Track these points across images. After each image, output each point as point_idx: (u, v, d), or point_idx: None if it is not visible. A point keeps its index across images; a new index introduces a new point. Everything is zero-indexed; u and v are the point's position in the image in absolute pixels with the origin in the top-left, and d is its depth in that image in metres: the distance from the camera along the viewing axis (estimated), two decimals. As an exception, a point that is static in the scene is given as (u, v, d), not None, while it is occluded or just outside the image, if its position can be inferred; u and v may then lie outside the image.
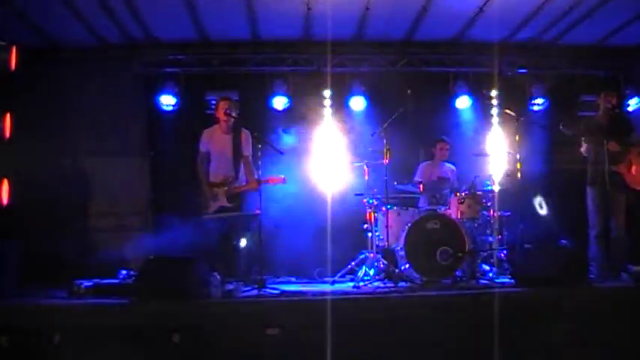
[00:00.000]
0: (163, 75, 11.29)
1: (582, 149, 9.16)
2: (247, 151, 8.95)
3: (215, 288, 7.59)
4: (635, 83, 12.23)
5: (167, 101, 11.18)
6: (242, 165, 8.95)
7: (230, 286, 7.90)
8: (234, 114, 9.00)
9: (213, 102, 9.95)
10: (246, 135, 8.97)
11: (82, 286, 7.96)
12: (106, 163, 10.88)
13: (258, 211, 8.32)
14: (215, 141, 9.00)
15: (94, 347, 6.54)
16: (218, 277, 7.73)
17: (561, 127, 9.19)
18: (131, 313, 6.94)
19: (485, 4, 9.86)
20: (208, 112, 10.62)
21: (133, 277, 8.05)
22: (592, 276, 8.60)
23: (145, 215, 10.88)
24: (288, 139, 10.69)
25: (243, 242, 8.66)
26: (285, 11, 10.09)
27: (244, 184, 8.85)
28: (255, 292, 7.84)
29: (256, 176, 8.56)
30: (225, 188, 8.76)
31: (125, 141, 10.97)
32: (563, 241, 9.95)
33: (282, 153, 8.81)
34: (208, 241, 8.60)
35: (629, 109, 12.11)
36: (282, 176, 8.69)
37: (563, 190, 11.13)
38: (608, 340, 6.98)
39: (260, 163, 8.55)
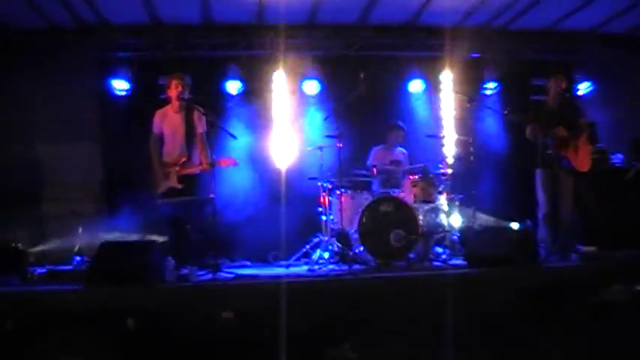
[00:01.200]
0: (116, 59, 11.21)
1: (527, 133, 9.26)
2: (201, 128, 8.85)
3: (169, 272, 7.61)
4: (586, 68, 12.45)
5: (120, 86, 11.12)
6: (195, 144, 8.83)
7: (185, 271, 7.92)
8: (186, 90, 8.94)
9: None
10: (198, 113, 8.84)
11: (36, 272, 7.93)
12: (59, 149, 10.74)
13: (212, 195, 8.33)
14: (168, 120, 8.88)
15: (47, 334, 6.48)
16: (172, 261, 7.74)
17: (508, 114, 9.31)
18: (85, 298, 6.85)
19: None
20: (161, 96, 10.56)
21: (87, 263, 8.02)
22: (543, 256, 8.77)
23: (99, 201, 10.78)
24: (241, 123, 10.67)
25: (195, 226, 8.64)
26: (238, -5, 10.08)
27: (197, 164, 8.79)
28: (209, 276, 7.86)
29: (209, 156, 8.57)
30: (177, 168, 8.65)
31: (77, 126, 10.81)
32: (515, 222, 10.15)
33: (235, 137, 8.77)
34: (162, 225, 8.58)
35: (579, 93, 12.33)
36: (234, 158, 8.68)
37: (514, 172, 11.27)
38: (557, 318, 7.11)
39: (214, 146, 8.57)
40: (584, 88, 12.36)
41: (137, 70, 11.24)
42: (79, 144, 10.86)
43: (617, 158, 11.10)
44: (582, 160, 9.17)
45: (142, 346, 6.51)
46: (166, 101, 9.04)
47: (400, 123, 10.90)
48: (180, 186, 8.61)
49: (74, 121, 10.80)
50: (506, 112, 9.32)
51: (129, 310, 6.60)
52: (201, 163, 8.69)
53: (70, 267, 8.48)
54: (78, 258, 8.79)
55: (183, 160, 8.69)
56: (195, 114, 8.85)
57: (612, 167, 10.93)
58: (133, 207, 9.53)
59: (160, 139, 8.88)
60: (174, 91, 8.83)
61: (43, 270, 7.99)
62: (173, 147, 8.82)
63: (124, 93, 11.16)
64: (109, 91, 11.13)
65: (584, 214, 9.79)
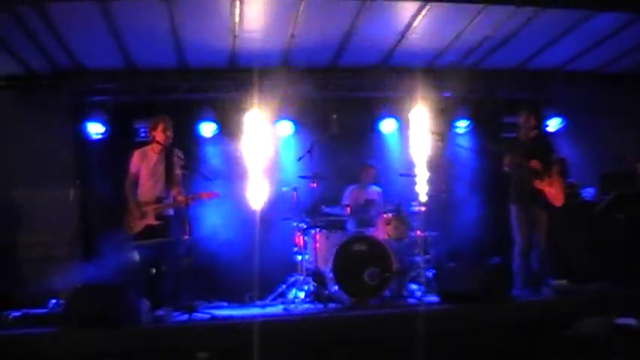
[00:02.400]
0: (91, 103, 11.25)
1: (505, 164, 9.37)
2: (178, 169, 8.93)
3: (145, 314, 7.62)
4: (555, 104, 12.62)
5: (95, 130, 11.13)
6: (172, 186, 8.90)
7: (160, 312, 7.95)
8: (171, 133, 9.04)
9: (143, 129, 10.04)
10: (177, 154, 8.98)
11: (10, 316, 7.91)
12: (34, 193, 10.70)
13: (187, 237, 8.38)
14: (147, 161, 8.97)
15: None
16: (147, 303, 7.76)
17: (488, 143, 9.42)
18: (60, 342, 6.86)
19: (406, 30, 10.10)
20: (137, 139, 10.66)
21: (62, 306, 8.01)
22: (516, 291, 8.86)
23: (74, 244, 10.73)
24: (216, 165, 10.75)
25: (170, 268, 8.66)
26: (211, 40, 10.15)
27: (173, 202, 8.84)
28: (185, 317, 7.89)
29: (184, 193, 8.66)
30: (155, 206, 8.74)
31: (53, 170, 10.76)
32: (492, 258, 10.23)
33: (210, 179, 8.88)
34: (138, 267, 8.59)
35: (550, 129, 12.48)
36: (215, 191, 8.78)
37: (487, 208, 11.39)
38: (531, 353, 7.19)
39: (189, 188, 8.66)
40: (554, 124, 12.52)
41: (112, 114, 11.25)
42: (54, 188, 10.80)
43: (588, 193, 11.26)
44: (556, 194, 9.30)
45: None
46: (144, 142, 9.09)
47: (370, 162, 11.03)
48: (156, 223, 8.67)
49: (50, 164, 10.74)
50: (486, 142, 9.41)
51: (104, 353, 6.62)
52: (176, 200, 8.74)
53: (45, 310, 8.45)
54: (53, 301, 8.76)
55: (162, 197, 8.76)
56: (174, 154, 8.96)
57: (583, 201, 11.08)
58: (108, 250, 9.53)
59: (136, 178, 8.95)
60: (161, 135, 8.95)
61: (18, 313, 7.96)
62: (151, 186, 8.90)
63: (99, 137, 11.16)
64: (84, 135, 11.14)
65: (556, 248, 9.90)
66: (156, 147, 9.02)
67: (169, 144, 9.01)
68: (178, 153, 9.00)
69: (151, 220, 8.70)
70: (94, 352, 6.60)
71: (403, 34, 10.26)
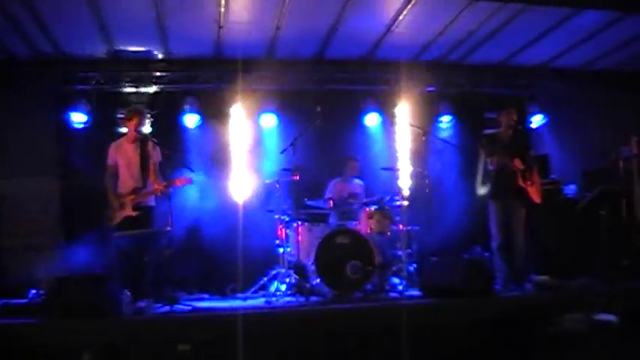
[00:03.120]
0: (74, 92, 11.19)
1: (493, 163, 9.38)
2: (155, 157, 8.94)
3: (126, 305, 7.58)
4: (539, 101, 12.69)
5: (78, 118, 11.07)
6: (149, 174, 8.87)
7: (142, 304, 7.92)
8: (144, 123, 9.07)
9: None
10: (152, 143, 8.96)
11: (-10, 306, 7.86)
12: (15, 182, 10.58)
13: (168, 228, 8.35)
14: (122, 152, 8.95)
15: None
16: (129, 294, 7.73)
17: (480, 147, 9.44)
18: (41, 332, 6.79)
19: (392, 24, 10.12)
20: (120, 129, 10.59)
21: (43, 297, 7.96)
22: (498, 286, 8.90)
23: (55, 234, 10.68)
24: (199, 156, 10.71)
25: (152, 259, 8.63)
26: (196, 30, 10.14)
27: (151, 190, 8.82)
28: (166, 308, 7.86)
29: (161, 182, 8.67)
30: (132, 197, 8.70)
31: (35, 159, 10.69)
32: (471, 252, 10.27)
33: (192, 170, 8.86)
34: (119, 258, 8.55)
35: (533, 126, 12.55)
36: (189, 177, 8.75)
37: (468, 203, 11.42)
38: (512, 348, 7.22)
39: (168, 178, 8.64)
40: (537, 121, 12.59)
41: (96, 103, 11.20)
42: (36, 177, 10.69)
43: (570, 190, 11.31)
44: (536, 192, 9.36)
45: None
46: (122, 134, 9.07)
47: (354, 155, 11.04)
48: (135, 214, 8.65)
49: (31, 153, 10.66)
50: (478, 144, 9.43)
51: (85, 344, 6.59)
52: (156, 189, 8.72)
53: (25, 300, 8.40)
54: (33, 291, 8.71)
55: (138, 187, 8.74)
56: (150, 144, 8.94)
57: (565, 198, 11.13)
58: (90, 240, 9.50)
59: (115, 171, 8.94)
60: (133, 123, 8.93)
61: (-1, 303, 7.93)
62: (128, 177, 8.88)
63: (82, 126, 11.11)
64: (67, 124, 11.09)
65: (537, 244, 9.94)
66: (130, 137, 9.01)
67: (144, 134, 8.99)
68: (153, 141, 8.99)
69: (129, 212, 8.68)
70: (75, 343, 6.56)
71: (389, 27, 10.30)
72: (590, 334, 7.40)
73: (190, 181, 8.75)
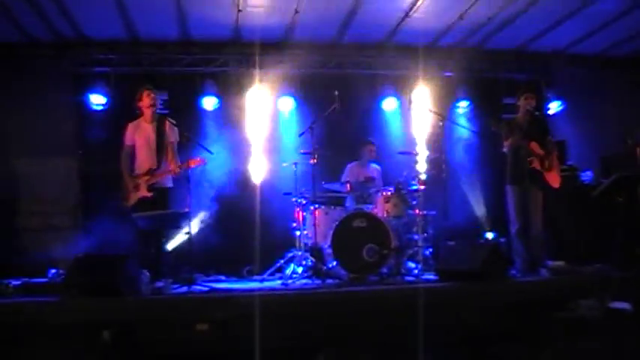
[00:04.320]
0: (93, 74, 11.28)
1: (505, 148, 9.42)
2: (172, 137, 9.01)
3: (144, 285, 7.65)
4: (556, 87, 12.65)
5: (97, 100, 11.16)
6: (166, 154, 8.94)
7: (160, 284, 7.97)
8: (157, 101, 9.09)
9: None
10: (169, 124, 9.01)
11: (10, 285, 7.93)
12: (35, 162, 10.71)
13: (187, 209, 8.41)
14: (140, 131, 9.00)
15: (22, 346, 6.51)
16: (147, 274, 7.80)
17: (492, 126, 9.43)
18: (60, 311, 6.87)
19: (411, 9, 10.12)
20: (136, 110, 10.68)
21: (62, 276, 8.04)
22: (514, 271, 8.92)
23: (75, 214, 10.78)
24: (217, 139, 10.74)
25: (172, 241, 8.70)
26: (215, 12, 10.17)
27: (166, 170, 8.87)
28: (184, 289, 7.93)
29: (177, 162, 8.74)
30: (147, 177, 8.77)
31: (54, 140, 10.80)
32: (489, 236, 10.28)
33: (211, 153, 8.89)
34: (138, 239, 8.64)
35: (550, 112, 12.52)
36: (203, 158, 8.78)
37: (485, 188, 11.45)
38: (526, 332, 7.24)
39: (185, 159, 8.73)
40: (554, 106, 12.56)
41: (114, 85, 11.29)
42: (55, 157, 10.83)
43: (587, 176, 11.29)
44: (554, 177, 9.35)
45: (117, 357, 6.57)
46: (138, 110, 9.13)
47: (371, 138, 11.06)
48: (149, 194, 8.72)
49: (51, 134, 10.79)
50: (489, 124, 9.43)
51: (104, 322, 6.65)
52: (170, 170, 8.78)
53: (45, 279, 8.49)
54: (53, 271, 8.80)
55: (153, 168, 8.81)
56: (167, 124, 8.99)
57: (582, 184, 11.12)
58: (109, 220, 9.58)
59: (132, 151, 8.99)
60: (146, 100, 8.99)
61: (18, 282, 7.99)
62: (145, 157, 8.93)
63: (100, 107, 11.19)
64: (86, 106, 11.17)
65: (553, 230, 9.95)
66: (147, 116, 9.05)
67: (161, 114, 9.03)
68: (171, 122, 9.04)
69: (144, 192, 8.75)
70: (95, 321, 6.61)
71: (407, 12, 10.29)
72: (604, 321, 7.41)
73: (204, 162, 8.78)
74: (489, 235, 10.67)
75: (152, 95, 9.03)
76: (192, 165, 8.67)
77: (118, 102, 11.18)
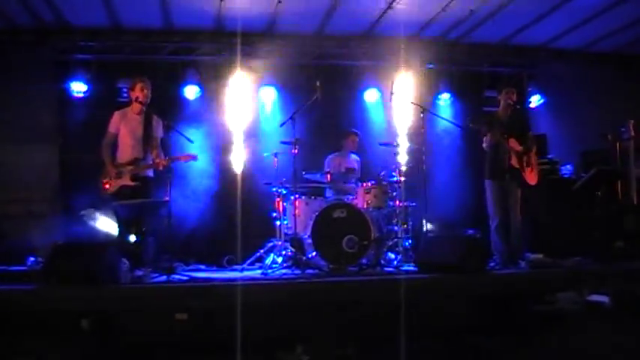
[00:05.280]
0: (75, 61, 11.20)
1: (484, 144, 9.48)
2: (158, 133, 9.02)
3: (124, 274, 7.62)
4: (538, 81, 12.74)
5: (78, 88, 11.10)
6: (151, 148, 8.94)
7: (139, 273, 7.95)
8: (149, 95, 9.04)
9: (125, 89, 10.02)
10: (157, 118, 9.02)
11: (-12, 272, 7.90)
12: (15, 150, 10.61)
13: (167, 198, 8.39)
14: (127, 121, 8.96)
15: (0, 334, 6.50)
16: (127, 263, 7.78)
17: (470, 123, 9.49)
18: (39, 299, 6.82)
19: (393, 1, 10.12)
20: (123, 97, 10.61)
21: (41, 264, 8.01)
22: (493, 264, 8.97)
23: (55, 202, 10.73)
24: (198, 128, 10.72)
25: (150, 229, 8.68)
26: (198, 1, 10.13)
27: (150, 164, 8.87)
28: (164, 278, 7.91)
29: (163, 157, 8.75)
30: (131, 167, 8.75)
31: (34, 127, 10.70)
32: (469, 230, 10.33)
33: (191, 141, 8.88)
34: (118, 227, 8.61)
35: (532, 105, 12.61)
36: (193, 153, 8.80)
37: (466, 181, 11.49)
38: (505, 325, 7.29)
39: (170, 150, 8.69)
40: (536, 100, 12.64)
41: (96, 73, 11.22)
42: (35, 145, 10.74)
43: (567, 170, 11.37)
44: (532, 174, 9.42)
45: (96, 346, 6.57)
46: (126, 104, 9.10)
47: (354, 129, 11.08)
48: (133, 184, 8.71)
49: (31, 121, 10.68)
50: (469, 122, 9.47)
51: (83, 311, 6.64)
52: (157, 164, 8.76)
53: (23, 267, 8.46)
54: (32, 258, 8.76)
55: (139, 158, 8.79)
56: (154, 118, 8.99)
57: (562, 178, 11.20)
58: (89, 208, 9.54)
59: (114, 139, 8.96)
60: (139, 93, 8.94)
61: (-4, 270, 7.98)
62: (129, 147, 8.90)
63: (81, 95, 11.13)
64: (67, 93, 11.12)
65: (533, 223, 10.00)
66: (136, 108, 9.02)
67: (149, 107, 9.00)
68: (158, 118, 9.04)
69: (127, 181, 8.73)
70: (73, 310, 6.61)
71: (390, 3, 10.28)
72: (583, 314, 7.47)
73: (195, 158, 8.81)
74: (469, 228, 10.65)
75: (145, 91, 8.97)
76: (183, 160, 8.71)
77: (99, 90, 11.16)
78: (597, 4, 10.32)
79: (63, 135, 10.96)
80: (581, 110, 12.09)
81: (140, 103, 8.93)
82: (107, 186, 8.76)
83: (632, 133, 10.35)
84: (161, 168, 8.70)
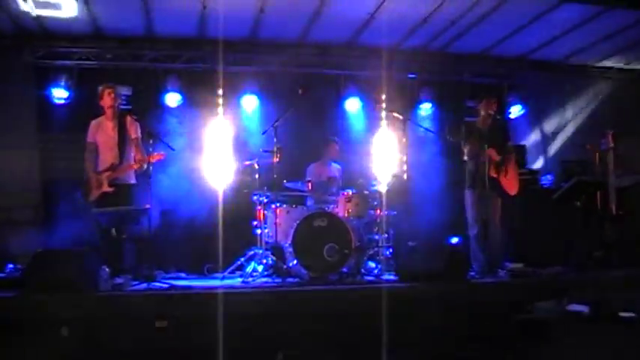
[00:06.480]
0: (56, 68, 11.15)
1: (466, 153, 9.52)
2: (134, 133, 9.03)
3: (104, 281, 7.61)
4: (518, 91, 12.79)
5: (59, 94, 11.02)
6: (129, 149, 8.97)
7: (119, 280, 7.93)
8: (118, 99, 9.11)
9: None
10: (131, 119, 9.02)
11: (-33, 279, 7.85)
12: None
13: (147, 206, 8.39)
14: (102, 129, 9.01)
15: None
16: (107, 270, 7.75)
17: (447, 135, 9.53)
18: (18, 306, 6.81)
19: (375, 11, 10.16)
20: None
21: (21, 271, 7.97)
22: (473, 273, 9.02)
23: (36, 208, 10.68)
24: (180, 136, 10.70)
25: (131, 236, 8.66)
26: (180, 8, 10.11)
27: (129, 165, 8.90)
28: (144, 285, 7.90)
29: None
30: (109, 173, 8.77)
31: (15, 133, 10.66)
32: (449, 239, 10.36)
33: (173, 149, 8.90)
34: (98, 234, 8.60)
35: (512, 116, 12.65)
36: (162, 152, 8.80)
37: (446, 191, 11.52)
38: (485, 333, 7.32)
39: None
40: (516, 111, 12.69)
41: (77, 80, 11.16)
42: (16, 151, 10.72)
43: (546, 180, 11.44)
44: (511, 183, 9.47)
45: (76, 353, 6.54)
46: (99, 108, 9.10)
47: (336, 137, 11.10)
48: (111, 189, 8.71)
49: (12, 128, 10.63)
50: (447, 133, 9.51)
51: (63, 319, 6.61)
52: (131, 165, 8.82)
53: (2, 274, 8.41)
54: (10, 265, 8.72)
55: (115, 163, 8.79)
56: (128, 120, 9.02)
57: (541, 188, 11.27)
58: (70, 215, 9.51)
59: (94, 148, 8.99)
60: (107, 99, 9.01)
61: (-25, 277, 7.93)
62: (107, 154, 8.95)
63: (63, 102, 11.07)
64: (47, 99, 11.04)
65: (512, 232, 10.05)
66: (109, 114, 9.06)
67: (121, 110, 9.06)
68: (132, 117, 9.06)
69: (105, 188, 8.74)
70: (53, 318, 6.58)
71: (372, 14, 10.30)
72: (562, 324, 7.50)
73: (163, 157, 8.81)
74: (450, 237, 10.69)
75: (113, 95, 9.03)
76: (152, 160, 8.66)
77: (80, 96, 11.05)
78: (575, 17, 10.40)
79: (44, 141, 10.89)
80: (561, 121, 12.18)
81: (110, 108, 8.97)
82: (89, 194, 8.76)
83: (611, 144, 10.42)
84: (135, 168, 8.73)
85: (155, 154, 8.71)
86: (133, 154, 8.97)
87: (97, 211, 8.50)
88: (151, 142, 8.70)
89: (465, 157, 9.52)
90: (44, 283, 6.99)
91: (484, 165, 9.20)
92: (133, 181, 8.97)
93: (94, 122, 9.09)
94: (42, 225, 10.28)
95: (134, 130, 9.03)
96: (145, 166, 8.64)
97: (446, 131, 9.61)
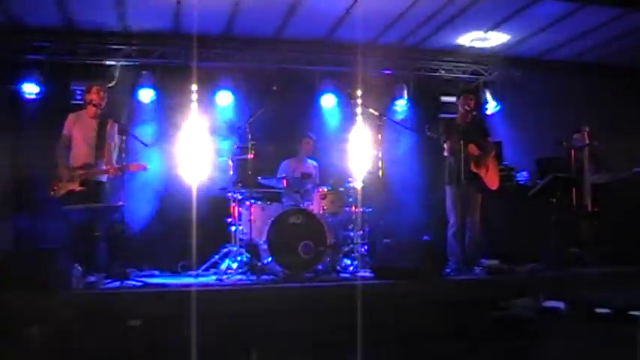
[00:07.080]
0: (27, 62, 10.97)
1: (447, 149, 9.51)
2: (112, 139, 8.92)
3: (76, 280, 7.50)
4: (494, 88, 12.79)
5: (30, 89, 10.86)
6: (104, 153, 8.83)
7: (92, 279, 7.84)
8: (105, 99, 8.95)
9: (79, 91, 9.88)
10: (112, 124, 8.91)
11: None
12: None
13: (120, 203, 8.30)
14: (80, 125, 8.88)
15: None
16: (79, 268, 7.65)
17: (427, 131, 9.52)
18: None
19: (351, 6, 10.12)
20: (73, 101, 10.46)
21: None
22: (449, 270, 9.00)
23: (5, 207, 10.55)
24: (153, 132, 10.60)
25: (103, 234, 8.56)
26: (154, 3, 10.03)
27: (102, 169, 8.76)
28: (117, 284, 7.80)
29: (115, 163, 8.64)
30: (82, 172, 8.64)
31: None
32: (423, 236, 10.34)
33: (146, 145, 8.81)
34: (70, 232, 8.49)
35: (488, 112, 12.65)
36: (144, 164, 8.73)
37: (423, 187, 11.52)
38: (460, 331, 7.31)
39: (124, 155, 8.57)
40: (492, 107, 12.69)
41: (49, 74, 11.01)
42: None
43: (522, 176, 11.46)
44: (492, 178, 9.50)
45: (47, 353, 6.45)
46: (80, 106, 8.98)
47: (310, 133, 11.06)
48: (79, 189, 8.58)
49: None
50: (427, 129, 9.50)
51: (34, 318, 6.52)
52: (107, 170, 8.67)
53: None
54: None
55: (90, 163, 8.67)
56: (109, 124, 8.89)
57: (517, 184, 11.29)
58: (41, 212, 9.39)
59: (68, 141, 8.86)
60: (94, 96, 8.87)
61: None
62: (81, 151, 8.81)
63: (34, 97, 10.91)
64: (18, 94, 10.88)
65: (488, 229, 10.04)
66: (91, 111, 8.94)
67: (105, 112, 8.90)
68: (115, 124, 8.96)
69: (75, 186, 8.60)
70: (24, 317, 6.49)
71: (348, 9, 10.26)
72: (538, 320, 7.50)
73: (144, 168, 8.75)
74: (425, 234, 10.67)
75: (101, 94, 8.92)
76: (132, 169, 8.62)
77: (52, 91, 10.94)
78: (553, 13, 10.44)
79: (14, 137, 10.73)
80: (537, 117, 12.20)
81: (95, 106, 8.84)
82: (55, 188, 8.63)
83: (587, 141, 10.45)
84: (111, 175, 8.64)
85: (135, 164, 8.65)
86: (108, 158, 8.85)
87: (69, 208, 8.38)
88: (123, 138, 8.61)
89: (445, 153, 9.50)
90: (14, 282, 6.84)
91: (464, 160, 9.18)
92: (103, 178, 8.85)
93: (72, 115, 8.98)
94: (12, 223, 10.15)
95: (114, 137, 8.94)
96: (120, 174, 8.55)
97: (426, 128, 9.59)
